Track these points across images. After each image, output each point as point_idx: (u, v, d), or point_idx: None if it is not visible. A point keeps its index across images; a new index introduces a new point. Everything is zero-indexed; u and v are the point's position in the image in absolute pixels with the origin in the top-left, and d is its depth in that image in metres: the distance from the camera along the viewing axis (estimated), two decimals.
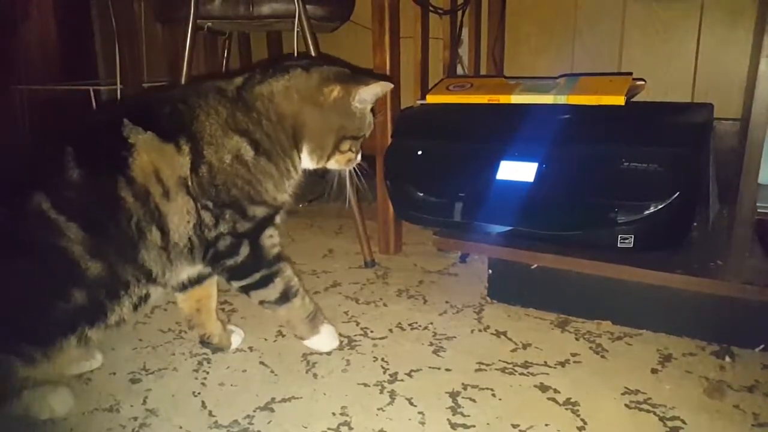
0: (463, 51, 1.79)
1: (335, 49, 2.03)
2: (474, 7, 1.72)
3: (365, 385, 0.97)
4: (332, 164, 1.03)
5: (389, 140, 1.39)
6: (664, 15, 1.68)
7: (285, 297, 1.00)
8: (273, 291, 0.99)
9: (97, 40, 2.32)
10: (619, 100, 1.19)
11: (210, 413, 0.91)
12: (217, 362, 1.05)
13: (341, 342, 1.10)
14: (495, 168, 1.20)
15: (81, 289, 0.85)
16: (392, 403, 0.93)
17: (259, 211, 0.96)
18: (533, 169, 1.16)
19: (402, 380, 0.98)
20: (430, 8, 1.51)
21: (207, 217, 0.92)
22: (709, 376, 0.97)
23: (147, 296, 0.93)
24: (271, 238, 0.99)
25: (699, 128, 1.16)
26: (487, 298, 1.25)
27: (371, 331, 1.14)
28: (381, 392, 0.95)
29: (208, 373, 1.01)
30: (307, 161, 1.01)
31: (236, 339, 1.10)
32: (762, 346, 1.03)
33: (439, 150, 1.29)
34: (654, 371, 0.99)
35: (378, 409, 0.91)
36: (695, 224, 1.20)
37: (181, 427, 0.88)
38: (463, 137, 1.29)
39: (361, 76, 1.00)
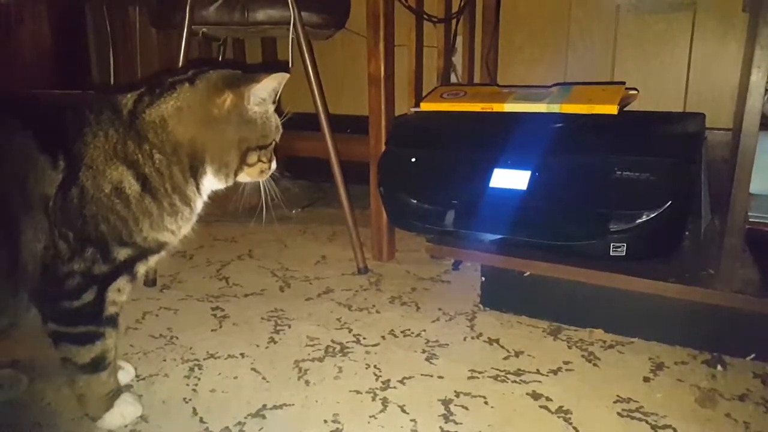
0: (457, 59, 1.79)
1: (330, 57, 2.04)
2: (468, 16, 1.73)
3: (357, 392, 0.97)
4: (243, 178, 0.92)
5: (383, 147, 1.40)
6: (657, 26, 1.70)
7: (94, 366, 0.86)
8: (86, 354, 0.85)
9: (92, 46, 2.32)
10: (612, 110, 1.20)
11: (201, 420, 0.90)
12: (209, 369, 1.04)
13: (333, 349, 1.09)
14: (488, 176, 1.20)
15: None
16: (384, 410, 0.92)
17: (123, 253, 0.84)
18: (526, 178, 1.17)
19: (394, 387, 0.98)
20: (425, 17, 1.52)
21: (63, 248, 0.80)
22: (700, 385, 0.97)
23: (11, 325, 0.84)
24: (118, 293, 0.85)
25: (691, 138, 1.17)
26: (480, 306, 1.25)
27: (364, 338, 1.14)
28: (373, 399, 0.95)
29: (199, 379, 1.01)
30: (213, 183, 0.89)
31: (124, 376, 0.99)
32: (753, 355, 1.03)
33: (433, 157, 1.30)
34: (646, 380, 0.99)
35: (370, 417, 0.91)
36: (687, 233, 1.21)
37: None
38: (457, 145, 1.30)
39: (251, 74, 0.87)
